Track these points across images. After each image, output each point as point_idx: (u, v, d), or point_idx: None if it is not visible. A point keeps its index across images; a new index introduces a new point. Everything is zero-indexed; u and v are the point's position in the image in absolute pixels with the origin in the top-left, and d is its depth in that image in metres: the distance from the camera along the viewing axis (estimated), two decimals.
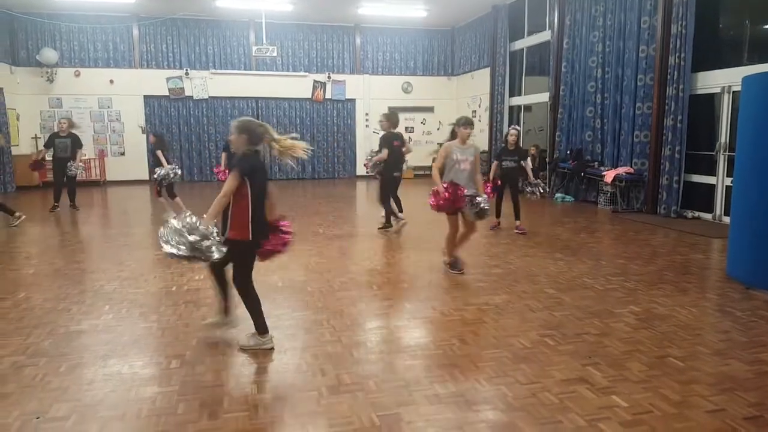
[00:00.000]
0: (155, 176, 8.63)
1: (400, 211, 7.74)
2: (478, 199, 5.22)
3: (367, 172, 8.62)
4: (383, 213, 7.72)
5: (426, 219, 8.83)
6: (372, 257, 6.32)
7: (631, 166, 9.57)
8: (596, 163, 10.43)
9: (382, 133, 7.71)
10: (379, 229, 7.67)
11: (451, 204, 5.14)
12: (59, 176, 9.56)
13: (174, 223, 3.19)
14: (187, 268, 5.19)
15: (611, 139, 10.15)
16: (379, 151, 7.55)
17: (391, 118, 7.62)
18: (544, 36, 12.36)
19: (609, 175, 9.54)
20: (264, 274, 5.44)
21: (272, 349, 3.55)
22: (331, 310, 4.36)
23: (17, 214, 8.15)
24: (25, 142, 13.90)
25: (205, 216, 3.28)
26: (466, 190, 5.16)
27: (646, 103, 9.27)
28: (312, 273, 5.51)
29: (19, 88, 13.72)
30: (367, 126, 16.16)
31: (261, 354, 3.49)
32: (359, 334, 3.90)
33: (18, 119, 13.64)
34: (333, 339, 3.74)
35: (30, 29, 13.83)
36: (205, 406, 2.83)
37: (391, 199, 7.64)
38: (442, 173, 5.33)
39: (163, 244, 3.16)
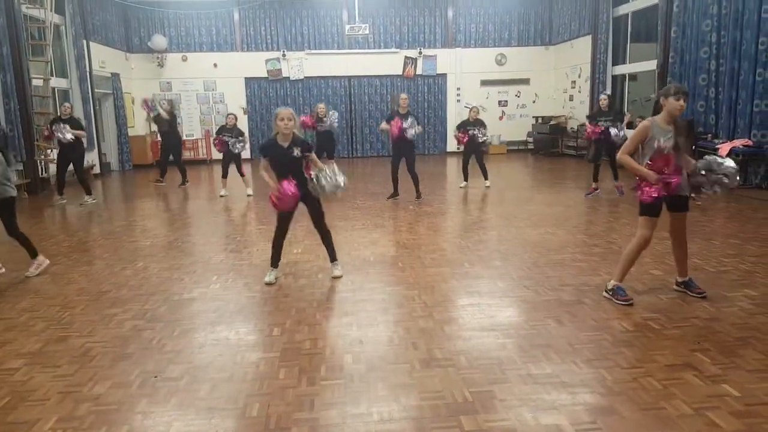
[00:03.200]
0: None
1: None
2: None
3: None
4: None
5: (517, 196, 8.62)
6: (463, 234, 6.27)
7: (750, 139, 8.74)
8: (709, 135, 9.62)
9: (473, 105, 8.88)
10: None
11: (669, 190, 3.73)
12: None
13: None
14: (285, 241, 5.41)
15: (727, 109, 9.30)
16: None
17: None
18: None
19: (724, 149, 8.76)
20: (356, 248, 5.59)
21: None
22: (423, 285, 4.39)
23: (90, 197, 8.93)
24: (140, 124, 15.05)
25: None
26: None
27: None
28: (403, 249, 5.57)
29: (133, 74, 14.86)
30: (458, 101, 15.92)
31: (356, 326, 3.60)
32: (451, 310, 3.90)
33: (133, 102, 14.77)
34: (424, 314, 3.78)
35: (142, 17, 14.85)
36: (304, 373, 2.97)
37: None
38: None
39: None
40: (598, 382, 2.79)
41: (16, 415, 2.64)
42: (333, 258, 4.73)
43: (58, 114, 8.98)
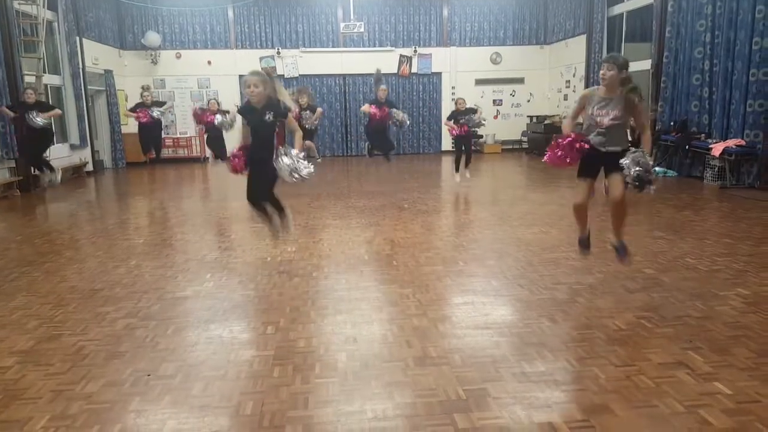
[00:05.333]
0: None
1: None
2: (626, 161, 3.80)
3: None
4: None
5: (512, 195, 8.63)
6: (458, 233, 6.28)
7: (743, 138, 8.79)
8: (703, 135, 9.67)
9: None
10: None
11: (559, 159, 4.01)
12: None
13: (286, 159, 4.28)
14: (280, 240, 5.40)
15: (720, 108, 9.35)
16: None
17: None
18: None
19: (717, 148, 8.83)
20: (350, 247, 5.59)
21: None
22: (417, 284, 4.40)
23: (53, 172, 9.32)
24: (133, 121, 14.92)
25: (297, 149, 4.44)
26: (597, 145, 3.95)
27: (762, 69, 8.42)
28: (397, 247, 5.57)
29: (126, 71, 14.78)
30: (453, 100, 15.91)
31: (350, 325, 3.60)
32: (445, 308, 3.91)
33: (126, 100, 14.68)
34: (419, 312, 3.78)
35: (135, 14, 14.77)
36: (298, 371, 2.97)
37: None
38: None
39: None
40: (591, 381, 2.80)
41: (8, 413, 2.62)
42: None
43: (22, 100, 9.01)
